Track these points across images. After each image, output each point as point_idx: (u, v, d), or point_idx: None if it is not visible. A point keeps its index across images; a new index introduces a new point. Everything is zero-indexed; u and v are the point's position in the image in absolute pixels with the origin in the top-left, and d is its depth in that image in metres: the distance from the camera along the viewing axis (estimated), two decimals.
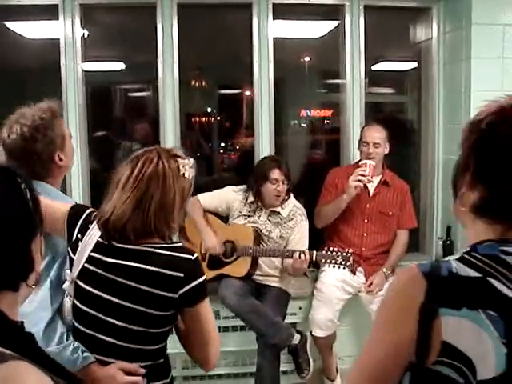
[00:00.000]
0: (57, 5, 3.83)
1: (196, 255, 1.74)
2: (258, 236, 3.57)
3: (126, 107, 6.00)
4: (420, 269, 1.06)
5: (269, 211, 3.62)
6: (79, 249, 1.78)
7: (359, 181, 3.47)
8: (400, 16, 4.49)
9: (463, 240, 3.88)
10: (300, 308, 3.79)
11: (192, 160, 1.83)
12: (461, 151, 1.16)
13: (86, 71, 3.99)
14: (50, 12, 3.86)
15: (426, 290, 1.03)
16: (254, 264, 3.56)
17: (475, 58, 3.76)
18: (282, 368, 3.52)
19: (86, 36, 3.99)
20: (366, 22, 4.11)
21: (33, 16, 4.04)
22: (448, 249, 4.05)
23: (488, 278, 1.03)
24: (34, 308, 1.74)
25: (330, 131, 5.66)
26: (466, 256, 1.08)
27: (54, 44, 3.90)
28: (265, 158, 3.81)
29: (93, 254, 1.76)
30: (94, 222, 1.79)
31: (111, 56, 4.93)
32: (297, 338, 3.38)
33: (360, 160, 3.71)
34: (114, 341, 1.72)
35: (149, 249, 1.71)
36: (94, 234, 1.78)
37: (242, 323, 3.61)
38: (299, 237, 3.60)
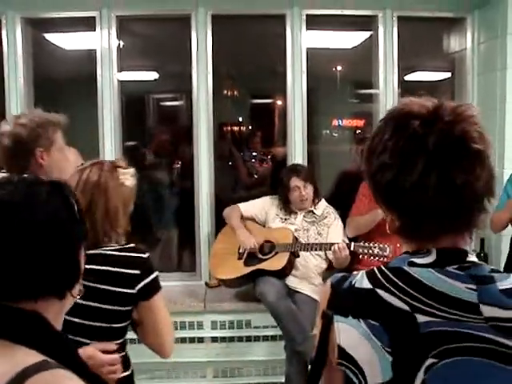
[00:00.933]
0: (94, 17, 3.92)
1: (148, 254, 1.92)
2: (297, 239, 3.64)
3: (160, 116, 6.07)
4: (332, 280, 1.14)
5: (304, 212, 3.77)
6: None
7: None
8: (433, 26, 4.46)
9: (497, 252, 3.84)
10: None
11: (133, 170, 2.02)
12: None
13: (120, 81, 4.06)
14: (87, 24, 3.95)
15: (328, 299, 1.11)
16: (292, 260, 3.60)
17: (511, 68, 3.71)
18: None
19: (121, 46, 4.06)
20: (399, 33, 4.10)
21: (70, 28, 4.14)
22: (482, 261, 3.98)
23: (376, 289, 1.06)
24: None
25: (362, 141, 5.64)
26: (375, 269, 1.10)
27: (90, 55, 3.99)
28: (285, 167, 3.98)
29: None
30: None
31: (145, 66, 5.00)
32: None
33: None
34: (79, 338, 1.80)
35: (105, 252, 1.86)
36: None
37: (272, 333, 3.64)
38: (335, 235, 3.68)
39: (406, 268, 1.05)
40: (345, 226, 3.78)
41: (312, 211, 3.77)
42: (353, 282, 1.10)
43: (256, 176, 5.57)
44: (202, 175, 4.08)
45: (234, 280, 3.69)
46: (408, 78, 4.66)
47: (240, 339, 3.76)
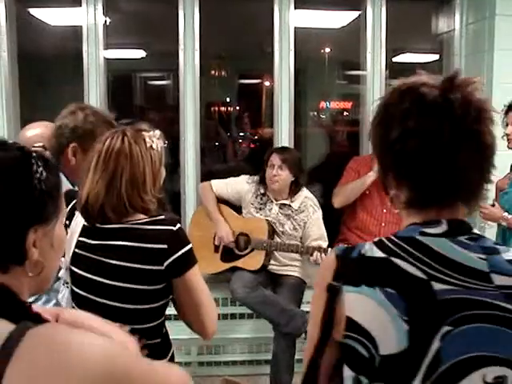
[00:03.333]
0: None
1: (179, 226, 1.74)
2: (273, 229, 3.56)
3: (147, 95, 6.04)
4: (336, 252, 1.12)
5: (279, 204, 3.62)
6: (68, 235, 1.78)
7: None
8: (422, 7, 4.46)
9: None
10: None
11: (158, 132, 1.83)
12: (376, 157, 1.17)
13: (107, 59, 4.01)
14: None
15: (335, 270, 1.08)
16: (269, 255, 3.55)
17: (498, 49, 3.71)
18: (299, 356, 3.54)
19: (107, 23, 4.01)
20: (388, 13, 4.07)
21: (56, 3, 4.07)
22: None
23: (391, 258, 1.06)
24: None
25: (350, 123, 5.66)
26: (384, 239, 1.10)
27: (76, 31, 3.92)
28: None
29: (80, 239, 1.79)
30: None
31: (132, 44, 4.96)
32: None
33: None
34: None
35: (131, 225, 1.73)
36: (80, 219, 1.80)
37: None
38: (315, 231, 3.57)
39: (419, 237, 1.07)
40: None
41: (289, 205, 3.60)
42: (362, 252, 1.09)
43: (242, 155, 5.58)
44: (189, 155, 4.06)
45: (211, 275, 3.62)
46: (396, 59, 4.67)
47: (225, 317, 3.77)
